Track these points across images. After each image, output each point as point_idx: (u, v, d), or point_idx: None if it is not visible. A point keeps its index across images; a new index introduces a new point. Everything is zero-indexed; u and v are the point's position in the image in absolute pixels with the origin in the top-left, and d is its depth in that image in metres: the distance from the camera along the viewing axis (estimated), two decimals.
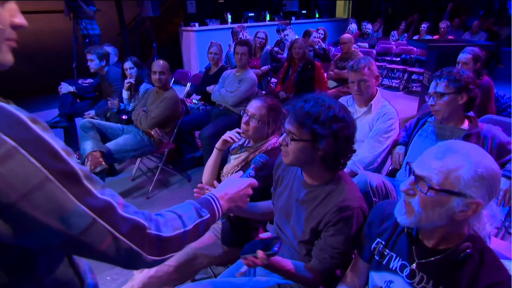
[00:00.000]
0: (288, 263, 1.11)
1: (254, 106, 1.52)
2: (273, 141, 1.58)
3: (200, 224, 0.77)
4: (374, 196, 1.58)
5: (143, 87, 3.04)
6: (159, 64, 2.68)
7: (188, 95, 4.13)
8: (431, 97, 1.63)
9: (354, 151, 1.10)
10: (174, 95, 2.73)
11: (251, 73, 3.12)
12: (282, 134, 1.66)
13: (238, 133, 1.60)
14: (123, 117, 3.00)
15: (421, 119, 1.84)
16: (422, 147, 1.73)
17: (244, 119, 1.53)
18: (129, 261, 0.61)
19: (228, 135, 1.58)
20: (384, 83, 6.42)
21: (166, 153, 2.86)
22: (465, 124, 1.63)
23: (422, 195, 0.80)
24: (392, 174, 1.99)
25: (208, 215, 0.80)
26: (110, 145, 2.55)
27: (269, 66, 4.55)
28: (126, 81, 2.99)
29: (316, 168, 1.11)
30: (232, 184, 0.95)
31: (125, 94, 3.03)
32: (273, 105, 1.54)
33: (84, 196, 0.55)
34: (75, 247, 0.56)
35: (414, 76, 6.17)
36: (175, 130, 2.84)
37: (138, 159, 3.15)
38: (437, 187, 0.79)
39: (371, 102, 1.99)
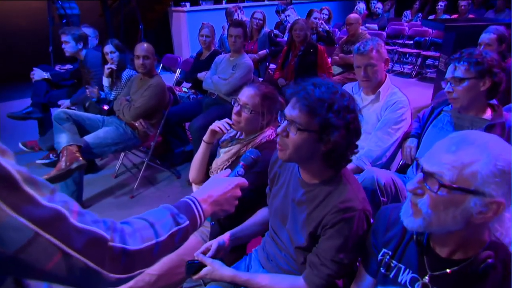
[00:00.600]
0: (261, 278, 1.11)
1: (246, 95, 1.48)
2: (268, 133, 1.54)
3: (176, 233, 0.72)
4: (382, 195, 1.54)
5: (126, 73, 2.99)
6: (142, 48, 2.62)
7: (178, 83, 4.09)
8: (448, 83, 1.56)
9: (357, 146, 1.06)
10: (160, 82, 2.68)
11: (247, 58, 3.08)
12: (278, 126, 1.65)
13: (229, 124, 1.56)
14: (104, 107, 2.95)
15: (436, 108, 1.78)
16: (437, 139, 1.61)
17: (235, 109, 1.49)
18: (86, 281, 0.57)
19: (216, 124, 1.54)
20: (395, 69, 6.35)
21: (152, 147, 2.84)
22: (488, 114, 1.57)
23: (432, 194, 0.75)
24: (402, 170, 1.93)
25: (187, 222, 0.76)
26: (89, 138, 2.51)
27: (267, 50, 4.50)
28: (106, 66, 2.94)
29: (316, 164, 1.07)
30: (217, 185, 0.90)
31: (105, 81, 2.97)
32: (267, 93, 1.49)
33: (22, 204, 0.50)
34: (13, 268, 0.51)
35: (428, 61, 6.10)
36: (162, 122, 2.81)
37: (122, 154, 3.12)
38: (450, 185, 0.73)
39: (379, 89, 1.93)
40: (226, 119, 1.56)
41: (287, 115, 1.02)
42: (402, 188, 1.61)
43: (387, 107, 1.89)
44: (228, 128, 1.54)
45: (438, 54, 5.28)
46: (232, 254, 1.47)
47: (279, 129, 1.04)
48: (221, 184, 0.90)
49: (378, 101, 1.93)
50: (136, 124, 2.69)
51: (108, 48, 2.96)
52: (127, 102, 2.67)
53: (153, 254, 0.66)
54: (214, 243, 1.26)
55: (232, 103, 1.53)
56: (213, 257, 1.22)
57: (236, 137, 1.60)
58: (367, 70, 1.90)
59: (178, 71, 4.00)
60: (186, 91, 3.53)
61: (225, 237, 1.31)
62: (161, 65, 4.25)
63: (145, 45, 2.64)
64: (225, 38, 4.83)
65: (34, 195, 0.51)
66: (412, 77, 6.07)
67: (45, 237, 0.51)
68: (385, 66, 1.94)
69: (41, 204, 0.52)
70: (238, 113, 1.49)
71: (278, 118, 1.51)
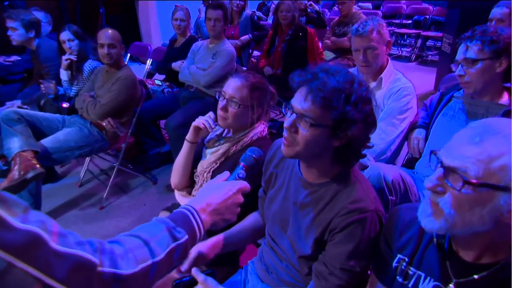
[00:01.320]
0: None
1: (232, 87, 1.46)
2: (260, 129, 1.53)
3: (174, 250, 0.72)
4: (390, 194, 1.54)
5: (88, 65, 2.92)
6: (107, 35, 2.55)
7: (149, 75, 4.04)
8: (459, 65, 1.57)
9: (370, 140, 1.06)
10: (130, 75, 2.63)
11: (228, 45, 3.06)
12: (269, 120, 1.64)
13: (214, 119, 1.55)
14: (63, 105, 2.88)
15: (446, 94, 1.79)
16: (448, 129, 1.69)
17: (220, 103, 1.48)
18: None
19: (200, 120, 1.53)
20: (392, 52, 6.44)
21: (123, 149, 2.81)
22: (504, 98, 1.59)
23: (455, 192, 0.74)
24: (409, 164, 1.94)
25: (186, 237, 0.75)
26: (47, 142, 2.44)
27: (250, 35, 4.49)
28: (64, 57, 2.85)
29: (324, 162, 1.06)
30: (216, 191, 0.88)
31: (64, 74, 2.89)
32: (256, 84, 1.48)
33: None
34: None
35: (429, 42, 6.21)
36: (134, 120, 2.78)
37: (87, 159, 3.06)
38: (476, 181, 0.72)
39: (381, 75, 1.94)
40: (211, 113, 1.53)
41: (296, 108, 0.99)
42: (411, 184, 1.61)
43: (390, 95, 1.89)
44: (213, 124, 1.50)
45: (440, 34, 5.37)
46: (223, 269, 1.46)
47: (286, 123, 1.01)
48: (221, 189, 0.89)
49: (380, 89, 1.93)
50: (104, 124, 2.63)
51: (65, 35, 2.87)
52: (91, 99, 2.61)
53: (149, 277, 0.65)
54: (193, 251, 1.22)
55: (217, 97, 1.50)
56: (190, 266, 1.18)
57: (223, 135, 1.58)
58: (366, 54, 1.90)
59: (149, 61, 3.94)
60: (160, 84, 3.48)
61: (208, 245, 1.27)
62: (129, 54, 4.16)
63: (110, 31, 2.58)
64: (201, 22, 4.79)
65: (4, 216, 0.49)
66: (411, 61, 6.18)
67: (21, 267, 0.49)
68: (387, 49, 1.94)
69: (14, 227, 0.49)
70: (224, 108, 1.46)
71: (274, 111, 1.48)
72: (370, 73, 1.95)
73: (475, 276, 0.82)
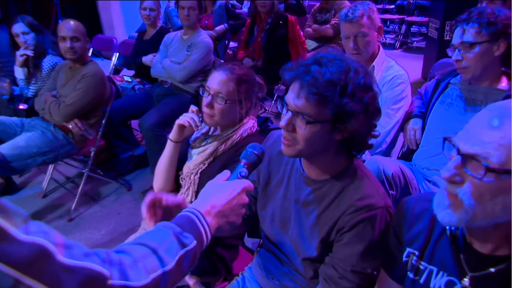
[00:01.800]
0: None
1: (217, 81, 1.45)
2: (249, 125, 1.53)
3: (184, 257, 0.72)
4: (390, 188, 1.56)
5: (48, 61, 2.86)
6: (68, 26, 2.49)
7: (116, 71, 3.97)
8: (456, 50, 1.61)
9: (376, 126, 1.06)
10: (98, 71, 2.58)
11: (204, 36, 3.04)
12: (257, 114, 1.64)
13: (199, 115, 1.53)
14: (20, 106, 2.82)
15: (442, 81, 1.83)
16: (446, 118, 1.73)
17: (205, 100, 1.46)
18: None
19: (184, 118, 1.51)
20: None
21: (93, 153, 2.77)
22: (503, 83, 1.64)
23: (476, 181, 0.74)
24: (406, 157, 1.98)
25: (194, 242, 0.75)
26: (4, 148, 2.37)
27: (226, 25, 4.47)
28: (19, 53, 2.78)
29: (328, 157, 1.06)
30: (219, 191, 0.88)
31: (19, 72, 2.82)
32: (243, 76, 1.48)
33: None
34: None
35: (414, 28, 6.35)
36: (104, 121, 2.73)
37: (50, 167, 2.98)
38: (499, 168, 0.71)
39: (373, 63, 1.97)
40: (192, 107, 1.53)
41: (291, 105, 0.99)
42: (411, 178, 1.64)
43: (384, 83, 1.93)
44: (199, 122, 1.49)
45: (426, 19, 5.51)
46: (217, 278, 1.47)
47: (282, 123, 1.00)
48: (224, 190, 0.88)
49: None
50: (70, 126, 2.57)
51: (18, 27, 2.79)
52: (54, 99, 2.55)
53: None
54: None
55: (195, 93, 1.48)
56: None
57: (210, 133, 1.57)
58: (357, 40, 1.92)
59: (115, 56, 3.87)
60: (130, 80, 3.42)
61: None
62: (91, 49, 4.05)
63: (71, 22, 2.52)
64: (171, 12, 4.73)
65: (6, 227, 0.48)
66: (396, 48, 6.32)
67: (28, 284, 0.49)
68: (378, 36, 1.97)
69: (17, 240, 0.49)
70: (210, 105, 1.45)
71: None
72: (362, 61, 1.98)
73: (492, 270, 0.83)
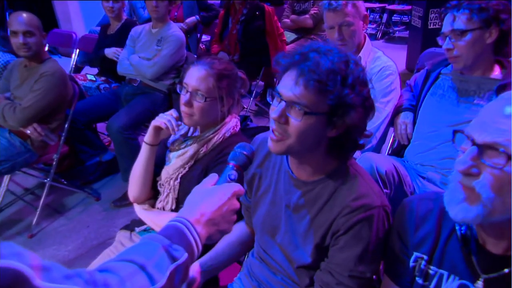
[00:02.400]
0: None
1: (195, 77, 1.44)
2: (232, 124, 1.53)
3: (175, 272, 0.71)
4: (384, 186, 1.58)
5: None
6: (20, 20, 2.41)
7: (77, 69, 3.90)
8: (447, 38, 1.64)
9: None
10: (58, 69, 2.52)
11: (175, 29, 3.02)
12: (240, 112, 1.62)
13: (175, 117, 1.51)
14: None
15: (432, 71, 1.86)
16: (438, 110, 1.76)
17: (183, 98, 1.45)
18: None
19: (160, 120, 1.48)
20: None
21: (55, 161, 2.71)
22: (496, 72, 1.68)
23: (495, 172, 0.75)
24: (398, 152, 2.01)
25: (186, 255, 0.74)
26: None
27: (197, 17, 4.45)
28: None
29: (318, 156, 1.06)
30: (207, 197, 0.87)
31: None
32: (223, 71, 1.47)
33: None
34: None
35: (395, 17, 6.48)
36: (67, 125, 2.69)
37: (6, 178, 2.87)
38: None
39: (360, 54, 1.99)
40: (172, 111, 1.50)
41: (285, 95, 0.98)
42: (405, 175, 1.67)
43: (371, 75, 1.94)
44: (177, 124, 1.47)
45: (408, 8, 5.62)
46: None
47: (274, 114, 0.99)
48: (213, 195, 0.87)
49: None
50: (28, 132, 2.51)
51: None
52: (7, 101, 2.48)
53: None
54: None
55: (178, 91, 1.47)
56: None
57: (189, 134, 1.55)
58: (342, 30, 1.93)
59: (75, 52, 3.80)
60: (94, 79, 3.35)
61: (196, 269, 1.25)
62: (47, 45, 3.94)
63: (24, 15, 2.45)
64: (135, 4, 4.66)
65: None
66: (377, 38, 6.45)
67: None
68: (364, 25, 1.99)
69: None
70: (188, 103, 1.44)
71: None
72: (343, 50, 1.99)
73: (506, 270, 0.85)
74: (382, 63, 1.96)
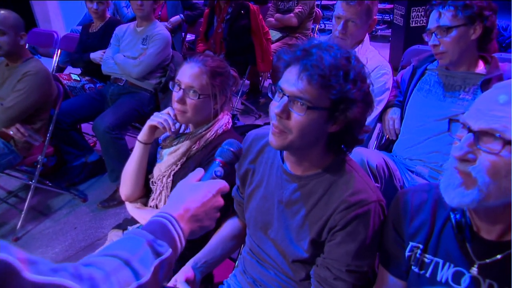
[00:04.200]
0: None
1: (188, 74, 1.44)
2: (224, 121, 1.53)
3: (159, 267, 0.70)
4: (375, 180, 1.60)
5: None
6: None
7: (59, 69, 3.84)
8: (433, 35, 1.67)
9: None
10: (41, 69, 2.48)
11: (161, 27, 3.00)
12: (231, 109, 1.63)
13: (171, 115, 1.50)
14: None
15: (418, 67, 1.90)
16: (425, 105, 1.79)
17: (176, 95, 1.45)
18: None
19: (157, 119, 1.47)
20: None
21: (40, 162, 2.68)
22: (480, 67, 1.72)
23: (491, 157, 0.77)
24: (386, 147, 2.04)
25: (170, 251, 0.74)
26: None
27: (181, 16, 4.42)
28: None
29: (317, 151, 1.07)
30: (192, 193, 0.86)
31: None
32: (216, 68, 1.48)
33: None
34: None
35: (377, 16, 6.54)
36: (51, 125, 2.65)
37: None
38: None
39: (356, 49, 2.00)
40: (169, 110, 1.49)
41: (288, 90, 0.98)
42: (394, 169, 1.70)
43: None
44: (172, 122, 1.47)
45: (390, 6, 5.70)
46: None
47: (277, 109, 0.99)
48: (198, 191, 0.87)
49: None
50: (11, 133, 2.47)
51: None
52: None
53: None
54: (180, 277, 1.20)
55: (171, 88, 1.47)
56: None
57: (181, 131, 1.55)
58: (347, 25, 1.94)
59: (57, 52, 3.73)
60: (78, 79, 3.29)
61: (189, 268, 1.26)
62: (26, 45, 3.87)
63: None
64: (119, 4, 4.60)
65: None
66: None
67: None
68: (369, 28, 2.02)
69: None
70: (182, 100, 1.43)
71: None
72: (344, 46, 2.00)
73: (499, 256, 0.87)
74: (378, 62, 1.98)
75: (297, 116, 0.98)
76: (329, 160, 1.09)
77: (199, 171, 0.95)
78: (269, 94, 1.06)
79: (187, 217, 0.82)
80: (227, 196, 1.36)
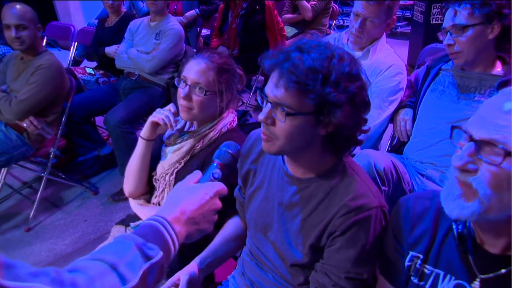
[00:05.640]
0: None
1: (195, 70, 1.43)
2: (229, 119, 1.52)
3: (148, 272, 0.69)
4: (382, 184, 1.56)
5: None
6: (13, 12, 2.39)
7: (76, 62, 3.88)
8: (448, 33, 1.62)
9: (366, 121, 1.05)
10: (54, 62, 2.51)
11: (174, 22, 3.01)
12: (237, 107, 1.61)
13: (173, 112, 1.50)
14: None
15: (432, 67, 1.85)
16: (438, 106, 1.74)
17: (182, 92, 1.43)
18: None
19: (158, 115, 1.47)
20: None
21: (52, 154, 2.71)
22: (498, 68, 1.66)
23: (493, 168, 0.74)
24: (397, 149, 2.00)
25: (161, 254, 0.73)
26: None
27: (197, 10, 4.43)
28: None
29: (313, 154, 1.05)
30: (189, 195, 0.86)
31: None
32: (223, 65, 1.46)
33: None
34: None
35: (397, 12, 6.43)
36: (64, 118, 2.68)
37: (2, 170, 2.85)
38: None
39: (370, 47, 1.96)
40: (171, 106, 1.49)
41: (270, 96, 0.97)
42: (403, 172, 1.65)
43: (380, 71, 1.92)
44: (174, 119, 1.47)
45: (410, 2, 5.58)
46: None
47: (261, 116, 0.98)
48: (195, 193, 0.86)
49: (366, 60, 1.95)
50: (24, 125, 2.50)
51: None
52: (4, 94, 2.47)
53: None
54: (182, 276, 1.19)
55: (176, 84, 1.46)
56: None
57: (186, 129, 1.54)
58: (365, 23, 1.90)
59: (74, 46, 3.78)
60: (93, 72, 3.33)
61: (194, 265, 1.24)
62: (45, 38, 3.93)
63: (17, 7, 2.42)
64: None
65: None
66: None
67: None
68: (387, 28, 1.97)
69: None
70: (188, 97, 1.42)
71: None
72: (359, 44, 1.98)
73: (503, 271, 0.84)
74: (393, 61, 1.94)
75: (280, 122, 0.96)
76: (329, 163, 1.07)
77: (197, 173, 0.95)
78: (258, 100, 1.04)
79: (183, 219, 0.81)
80: (229, 196, 1.36)
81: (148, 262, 0.70)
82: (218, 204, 0.88)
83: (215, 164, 0.99)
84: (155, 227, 0.76)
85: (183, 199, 0.84)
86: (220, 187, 0.90)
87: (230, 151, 1.01)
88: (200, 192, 0.86)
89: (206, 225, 0.86)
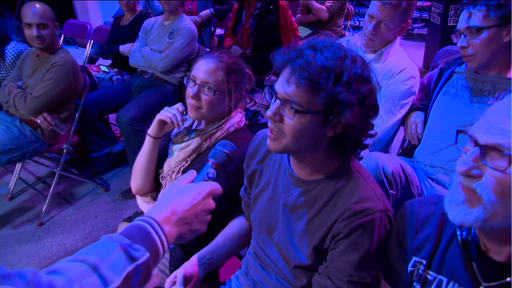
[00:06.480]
0: None
1: (204, 69, 1.43)
2: (237, 118, 1.52)
3: (133, 273, 0.68)
4: (390, 187, 1.55)
5: (12, 48, 2.81)
6: (34, 11, 2.42)
7: (92, 60, 3.92)
8: (462, 36, 1.59)
9: (373, 126, 1.04)
10: (69, 59, 2.54)
11: (187, 21, 3.02)
12: (245, 107, 1.61)
13: (181, 111, 1.51)
14: None
15: (446, 70, 1.82)
16: (450, 110, 1.71)
17: (191, 91, 1.44)
18: None
19: (166, 114, 1.48)
20: None
21: (65, 151, 2.73)
22: None
23: (497, 174, 0.72)
24: (407, 152, 1.97)
25: (147, 255, 0.71)
26: None
27: (211, 10, 4.45)
28: None
29: (319, 155, 1.04)
30: (181, 195, 0.85)
31: None
32: (232, 65, 1.46)
33: None
34: None
35: (414, 14, 6.35)
36: (77, 115, 2.71)
37: (18, 165, 2.92)
38: None
39: (383, 49, 1.94)
40: (179, 105, 1.50)
41: (280, 93, 0.96)
42: (412, 176, 1.63)
43: (392, 74, 1.89)
44: (182, 119, 1.47)
45: (427, 4, 5.52)
46: (202, 286, 1.42)
47: (269, 112, 0.98)
48: (187, 193, 0.85)
49: (379, 63, 1.93)
50: (38, 121, 2.54)
51: None
52: (19, 90, 2.51)
53: None
54: (179, 274, 1.19)
55: (185, 83, 1.47)
56: None
57: (194, 127, 1.54)
58: (379, 26, 1.88)
59: (90, 43, 3.83)
60: (107, 70, 3.37)
61: (193, 263, 1.25)
62: (62, 36, 3.99)
63: (38, 6, 2.45)
64: None
65: None
66: None
67: None
68: (401, 31, 1.94)
69: None
70: (196, 96, 1.42)
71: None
72: (372, 47, 1.95)
73: (508, 279, 0.82)
74: (406, 64, 1.91)
75: (288, 120, 0.96)
76: (335, 166, 1.06)
77: (191, 173, 0.94)
78: (267, 96, 1.03)
79: (174, 220, 0.80)
80: (234, 195, 1.36)
81: (133, 263, 0.69)
82: (211, 204, 0.87)
83: (210, 164, 0.98)
84: (143, 227, 0.75)
85: (175, 199, 0.83)
86: (214, 187, 0.89)
87: (225, 151, 1.00)
88: (193, 192, 0.85)
89: (198, 225, 0.85)
